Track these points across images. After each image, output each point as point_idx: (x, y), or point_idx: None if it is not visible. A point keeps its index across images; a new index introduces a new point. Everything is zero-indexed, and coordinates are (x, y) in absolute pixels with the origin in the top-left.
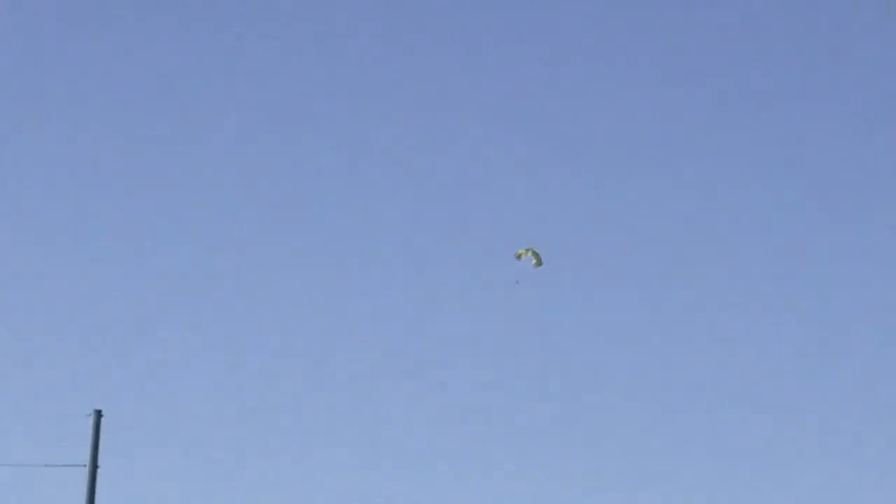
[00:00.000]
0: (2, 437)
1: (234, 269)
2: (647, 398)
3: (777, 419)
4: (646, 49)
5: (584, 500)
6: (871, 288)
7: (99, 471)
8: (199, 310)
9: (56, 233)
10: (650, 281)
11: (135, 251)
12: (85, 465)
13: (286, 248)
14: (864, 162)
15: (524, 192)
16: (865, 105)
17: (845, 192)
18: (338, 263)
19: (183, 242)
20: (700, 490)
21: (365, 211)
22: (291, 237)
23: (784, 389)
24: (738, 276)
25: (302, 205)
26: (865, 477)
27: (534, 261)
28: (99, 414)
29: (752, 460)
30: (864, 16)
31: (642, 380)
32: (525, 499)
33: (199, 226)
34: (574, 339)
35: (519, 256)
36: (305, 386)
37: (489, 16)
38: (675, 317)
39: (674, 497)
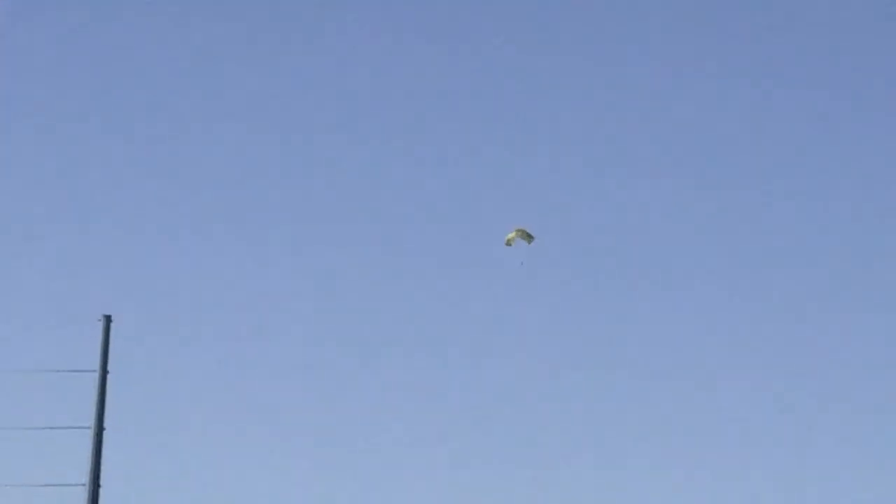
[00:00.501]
0: (12, 342)
1: (244, 177)
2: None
3: None
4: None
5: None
6: None
7: (109, 376)
8: (211, 216)
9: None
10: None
11: (150, 159)
12: (95, 371)
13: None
14: None
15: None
16: None
17: None
18: None
19: (199, 154)
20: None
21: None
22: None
23: None
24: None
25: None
26: None
27: (525, 241)
28: (108, 319)
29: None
30: None
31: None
32: None
33: (208, 135)
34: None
35: (509, 242)
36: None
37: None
38: None
39: None
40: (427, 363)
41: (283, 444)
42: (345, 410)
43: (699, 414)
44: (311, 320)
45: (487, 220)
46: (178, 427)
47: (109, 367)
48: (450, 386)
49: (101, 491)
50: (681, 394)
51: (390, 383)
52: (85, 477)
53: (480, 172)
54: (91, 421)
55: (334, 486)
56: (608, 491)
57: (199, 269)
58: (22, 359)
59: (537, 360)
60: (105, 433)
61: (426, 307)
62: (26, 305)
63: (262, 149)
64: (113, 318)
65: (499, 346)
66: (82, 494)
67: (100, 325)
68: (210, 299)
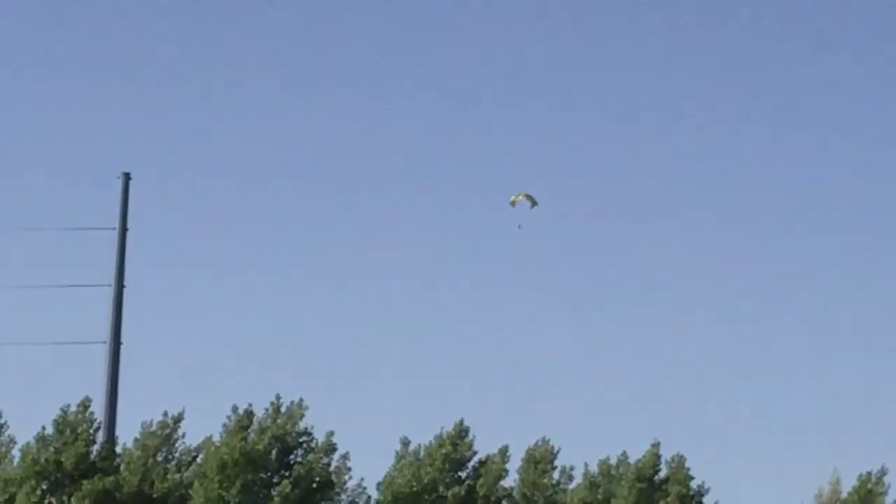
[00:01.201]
0: (33, 201)
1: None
2: None
3: None
4: None
5: None
6: None
7: (128, 233)
8: (231, 75)
9: None
10: None
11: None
12: (115, 229)
13: None
14: None
15: None
16: None
17: None
18: None
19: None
20: None
21: None
22: None
23: None
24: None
25: None
26: None
27: (529, 203)
28: (127, 177)
29: None
30: None
31: None
32: None
33: None
34: None
35: (513, 203)
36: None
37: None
38: None
39: None
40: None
41: (298, 294)
42: (346, 254)
43: None
44: (329, 178)
45: None
46: (197, 283)
47: (129, 225)
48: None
49: (122, 348)
50: None
51: (396, 228)
52: (106, 335)
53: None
54: (111, 279)
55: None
56: None
57: (216, 126)
58: (42, 217)
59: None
60: (125, 291)
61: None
62: (46, 163)
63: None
64: (132, 175)
65: None
66: (104, 351)
67: (119, 183)
68: (227, 156)
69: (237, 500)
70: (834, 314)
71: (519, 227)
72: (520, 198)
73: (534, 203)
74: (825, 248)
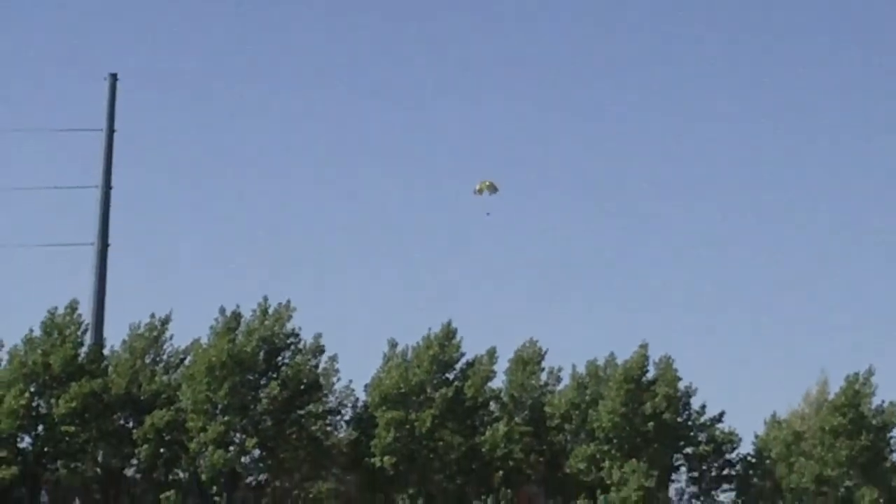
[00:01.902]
0: (20, 101)
1: None
2: None
3: None
4: None
5: None
6: None
7: (116, 135)
8: None
9: None
10: None
11: None
12: (102, 130)
13: None
14: None
15: None
16: None
17: None
18: None
19: None
20: None
21: None
22: None
23: None
24: None
25: None
26: None
27: (489, 192)
28: (114, 78)
29: None
30: None
31: None
32: None
33: None
34: None
35: (480, 191)
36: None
37: None
38: None
39: None
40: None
41: (286, 196)
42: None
43: None
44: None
45: None
46: (184, 185)
47: (116, 126)
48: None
49: (110, 250)
50: None
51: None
52: (94, 236)
53: None
54: (99, 181)
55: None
56: None
57: (204, 28)
58: (30, 119)
59: None
60: (112, 192)
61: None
62: (34, 64)
63: None
64: (119, 76)
65: None
66: (91, 254)
67: (106, 84)
68: (215, 58)
69: (225, 401)
70: (822, 217)
71: (488, 214)
72: (485, 185)
73: (495, 190)
74: (816, 152)
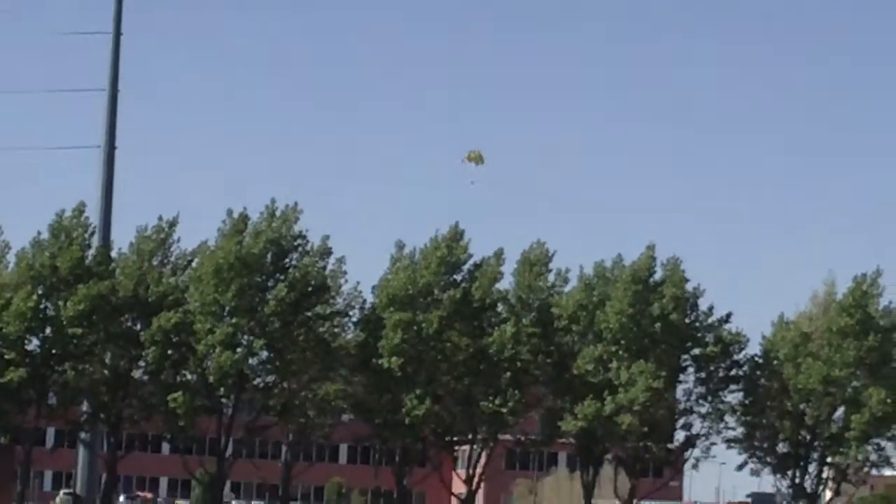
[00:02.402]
0: (24, 6)
1: None
2: None
3: None
4: None
5: None
6: None
7: (122, 37)
8: None
9: None
10: None
11: None
12: (109, 33)
13: None
14: None
15: None
16: None
17: None
18: None
19: None
20: None
21: None
22: None
23: None
24: None
25: None
26: None
27: (475, 163)
28: None
29: None
30: None
31: None
32: None
33: None
34: None
35: (469, 160)
36: None
37: None
38: None
39: None
40: None
41: (294, 97)
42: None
43: None
44: None
45: None
46: (191, 86)
47: (122, 29)
48: None
49: (117, 153)
50: None
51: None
52: (101, 139)
53: None
54: (106, 83)
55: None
56: None
57: None
58: (38, 22)
59: None
60: (119, 95)
61: None
62: None
63: None
64: None
65: None
66: (98, 156)
67: None
68: None
69: (232, 303)
70: (831, 114)
71: (472, 183)
72: (474, 156)
73: (481, 161)
74: (821, 46)
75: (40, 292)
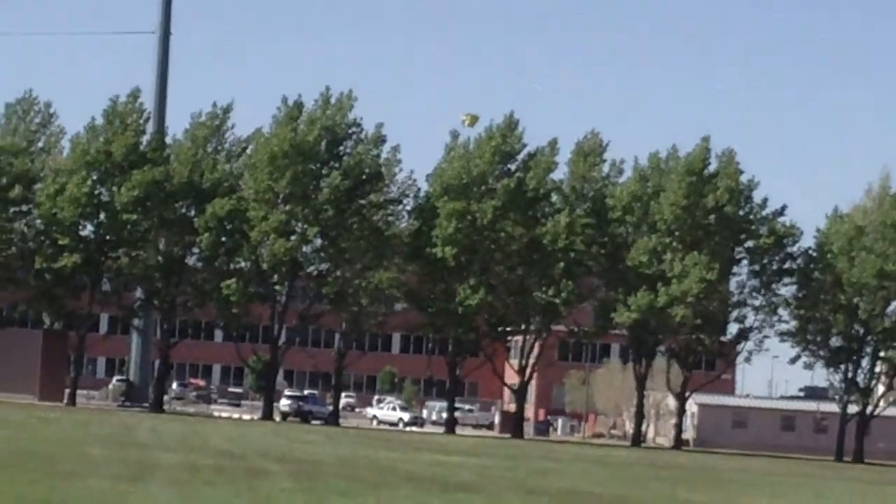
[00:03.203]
0: None
1: None
2: None
3: None
4: None
5: None
6: None
7: None
8: None
9: None
10: None
11: None
12: None
13: None
14: None
15: None
16: None
17: None
18: None
19: None
20: None
21: None
22: None
23: None
24: None
25: None
26: None
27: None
28: None
29: None
30: None
31: None
32: None
33: None
34: None
35: (466, 122)
36: None
37: None
38: None
39: None
40: None
41: None
42: None
43: None
44: None
45: None
46: None
47: None
48: None
49: (172, 38)
50: None
51: None
52: (156, 24)
53: None
54: None
55: None
56: None
57: None
58: None
59: None
60: None
61: None
62: None
63: None
64: None
65: None
66: (154, 41)
67: None
68: None
69: (287, 191)
70: (886, 10)
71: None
72: (470, 118)
73: (475, 120)
74: None
75: (95, 178)
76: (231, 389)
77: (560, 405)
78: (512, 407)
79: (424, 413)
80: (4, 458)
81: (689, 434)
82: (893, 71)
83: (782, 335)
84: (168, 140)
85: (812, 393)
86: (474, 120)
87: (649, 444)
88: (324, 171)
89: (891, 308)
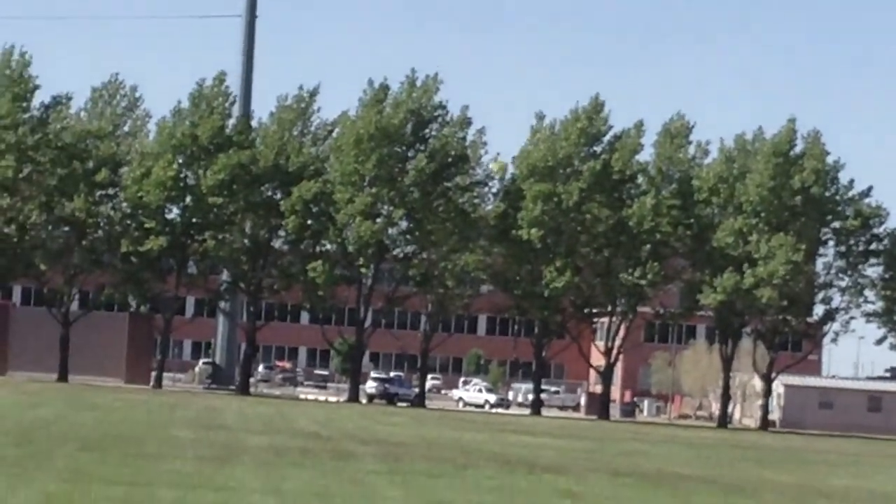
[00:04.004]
0: None
1: None
2: None
3: None
4: None
5: None
6: None
7: None
8: None
9: None
10: None
11: None
12: None
13: None
14: None
15: None
16: None
17: None
18: None
19: None
20: None
21: None
22: None
23: None
24: None
25: None
26: None
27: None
28: None
29: None
30: None
31: None
32: None
33: None
34: None
35: (495, 169)
36: None
37: None
38: None
39: None
40: None
41: None
42: None
43: None
44: None
45: None
46: None
47: None
48: None
49: (258, 21)
50: None
51: None
52: (242, 8)
53: None
54: None
55: None
56: None
57: None
58: None
59: None
60: None
61: None
62: None
63: None
64: None
65: None
66: (240, 25)
67: None
68: None
69: (372, 173)
70: None
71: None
72: (499, 166)
73: (504, 171)
74: None
75: (181, 161)
76: (317, 372)
77: (646, 386)
78: (598, 388)
79: (510, 395)
80: (92, 441)
81: (775, 415)
82: None
83: (868, 316)
84: (254, 123)
85: None
86: (502, 167)
87: (735, 426)
88: (409, 154)
89: None
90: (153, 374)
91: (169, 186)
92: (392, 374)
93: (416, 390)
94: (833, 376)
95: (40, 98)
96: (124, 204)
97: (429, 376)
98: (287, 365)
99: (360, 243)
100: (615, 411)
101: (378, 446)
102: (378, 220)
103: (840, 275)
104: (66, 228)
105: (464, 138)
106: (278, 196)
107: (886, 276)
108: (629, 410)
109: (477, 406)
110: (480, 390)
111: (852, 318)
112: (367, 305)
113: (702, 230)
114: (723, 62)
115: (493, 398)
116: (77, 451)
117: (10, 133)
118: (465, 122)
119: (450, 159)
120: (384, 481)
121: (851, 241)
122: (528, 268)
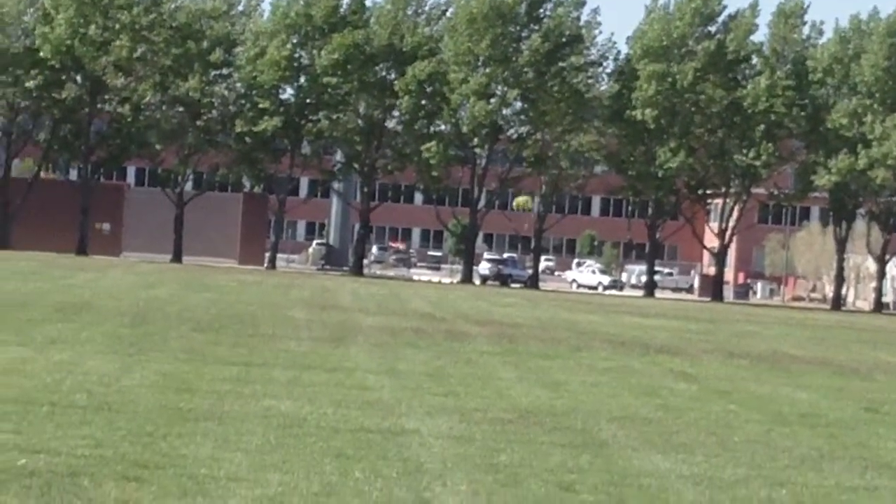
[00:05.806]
0: None
1: None
2: None
3: None
4: None
5: None
6: None
7: None
8: None
9: None
10: None
11: None
12: None
13: None
14: None
15: None
16: None
17: None
18: None
19: None
20: None
21: None
22: None
23: None
24: None
25: None
26: None
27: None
28: None
29: None
30: None
31: None
32: None
33: None
34: None
35: (520, 206)
36: None
37: None
38: None
39: None
40: None
41: None
42: None
43: None
44: None
45: None
46: None
47: None
48: None
49: None
50: None
51: None
52: None
53: None
54: None
55: None
56: None
57: None
58: None
59: None
60: None
61: None
62: None
63: None
64: None
65: None
66: None
67: None
68: None
69: (486, 53)
70: None
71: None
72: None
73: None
74: None
75: (295, 41)
76: (431, 253)
77: (760, 268)
78: (711, 270)
79: (624, 276)
80: (206, 321)
81: (889, 297)
82: None
83: None
84: (368, 3)
85: None
86: (526, 202)
87: (849, 308)
88: (523, 34)
89: None
90: (267, 254)
91: (283, 66)
92: (506, 255)
93: (530, 272)
94: None
95: None
96: (238, 84)
97: (542, 258)
98: (401, 246)
99: (474, 124)
100: (728, 293)
101: (492, 327)
102: (492, 100)
103: None
104: (181, 108)
105: (578, 18)
106: (392, 76)
107: None
108: (743, 292)
109: (590, 287)
110: (594, 272)
111: None
112: (481, 186)
113: (816, 111)
114: None
115: (606, 280)
116: (191, 332)
117: (124, 13)
118: (580, 2)
119: (564, 39)
120: (498, 362)
121: None
122: (642, 148)
